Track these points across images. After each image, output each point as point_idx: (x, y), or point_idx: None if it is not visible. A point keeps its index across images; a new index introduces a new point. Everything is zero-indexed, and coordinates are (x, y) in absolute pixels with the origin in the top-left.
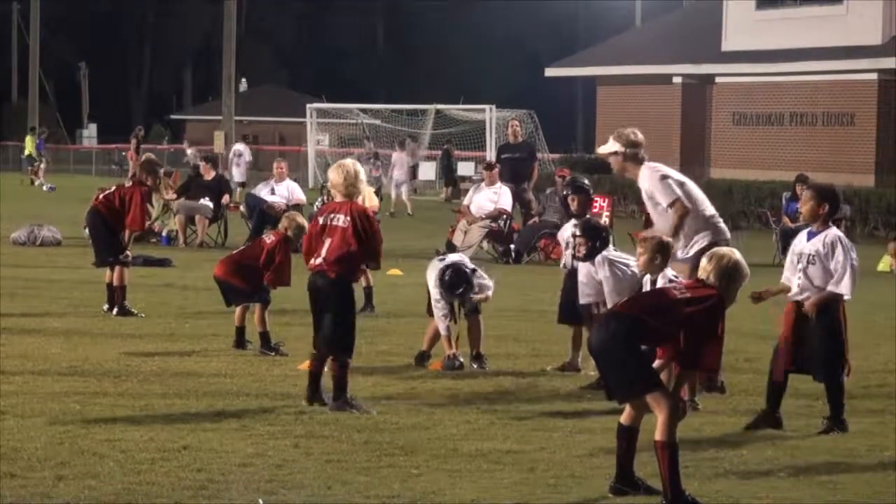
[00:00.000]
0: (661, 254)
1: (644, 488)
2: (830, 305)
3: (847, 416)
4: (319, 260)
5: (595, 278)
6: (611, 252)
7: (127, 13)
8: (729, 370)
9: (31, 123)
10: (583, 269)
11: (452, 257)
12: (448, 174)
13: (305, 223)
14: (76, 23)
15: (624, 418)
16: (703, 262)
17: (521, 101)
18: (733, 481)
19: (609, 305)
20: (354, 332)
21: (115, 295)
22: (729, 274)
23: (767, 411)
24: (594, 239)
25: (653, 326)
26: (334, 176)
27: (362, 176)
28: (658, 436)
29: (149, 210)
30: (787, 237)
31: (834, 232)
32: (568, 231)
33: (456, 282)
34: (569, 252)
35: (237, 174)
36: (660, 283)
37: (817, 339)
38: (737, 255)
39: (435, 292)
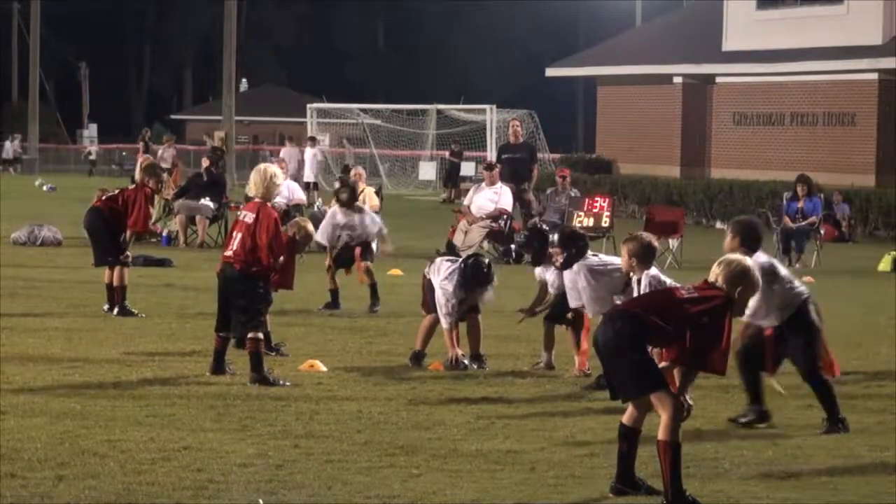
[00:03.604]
0: (637, 256)
1: (645, 488)
2: (800, 309)
3: (847, 415)
4: (229, 252)
5: (577, 285)
6: (588, 259)
7: (127, 13)
8: (730, 370)
9: (32, 123)
10: (567, 275)
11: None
12: (454, 178)
13: (313, 231)
14: (76, 23)
15: (626, 418)
16: (714, 266)
17: (521, 101)
18: (733, 481)
19: (590, 313)
20: (259, 315)
21: (116, 295)
22: (738, 278)
23: (754, 407)
24: (569, 248)
25: (658, 325)
26: (253, 176)
27: (277, 180)
28: (661, 435)
29: (150, 212)
30: (788, 237)
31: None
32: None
33: (479, 272)
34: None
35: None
36: (644, 283)
37: (792, 343)
38: (748, 262)
39: (446, 291)
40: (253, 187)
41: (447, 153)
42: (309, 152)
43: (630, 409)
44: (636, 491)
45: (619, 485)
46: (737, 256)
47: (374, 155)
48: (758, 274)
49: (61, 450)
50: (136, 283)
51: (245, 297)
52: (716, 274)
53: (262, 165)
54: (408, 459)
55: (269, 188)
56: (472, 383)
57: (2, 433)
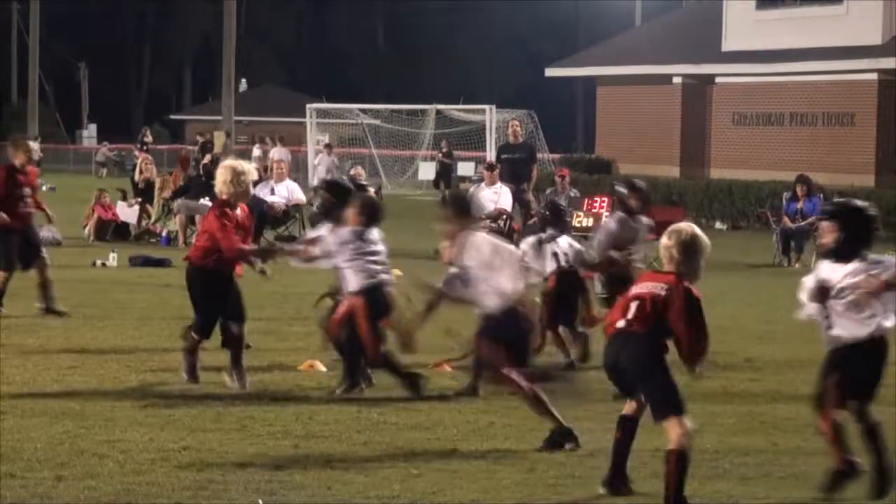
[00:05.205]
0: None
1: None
2: None
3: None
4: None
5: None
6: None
7: (127, 13)
8: (729, 370)
9: (32, 123)
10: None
11: None
12: (445, 178)
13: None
14: (76, 23)
15: (626, 409)
16: (664, 239)
17: (521, 102)
18: (733, 481)
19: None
20: (203, 313)
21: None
22: (687, 246)
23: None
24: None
25: (665, 335)
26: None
27: (246, 178)
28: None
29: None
30: (788, 238)
31: None
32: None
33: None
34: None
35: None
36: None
37: None
38: (695, 228)
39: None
40: (216, 186)
41: (438, 153)
42: (327, 160)
43: (631, 402)
44: (625, 486)
45: (611, 478)
46: (683, 226)
47: (374, 155)
48: (705, 237)
49: (61, 450)
50: (136, 283)
51: (192, 290)
52: (668, 246)
53: (227, 161)
54: (408, 459)
55: (233, 186)
56: None
57: (2, 433)
